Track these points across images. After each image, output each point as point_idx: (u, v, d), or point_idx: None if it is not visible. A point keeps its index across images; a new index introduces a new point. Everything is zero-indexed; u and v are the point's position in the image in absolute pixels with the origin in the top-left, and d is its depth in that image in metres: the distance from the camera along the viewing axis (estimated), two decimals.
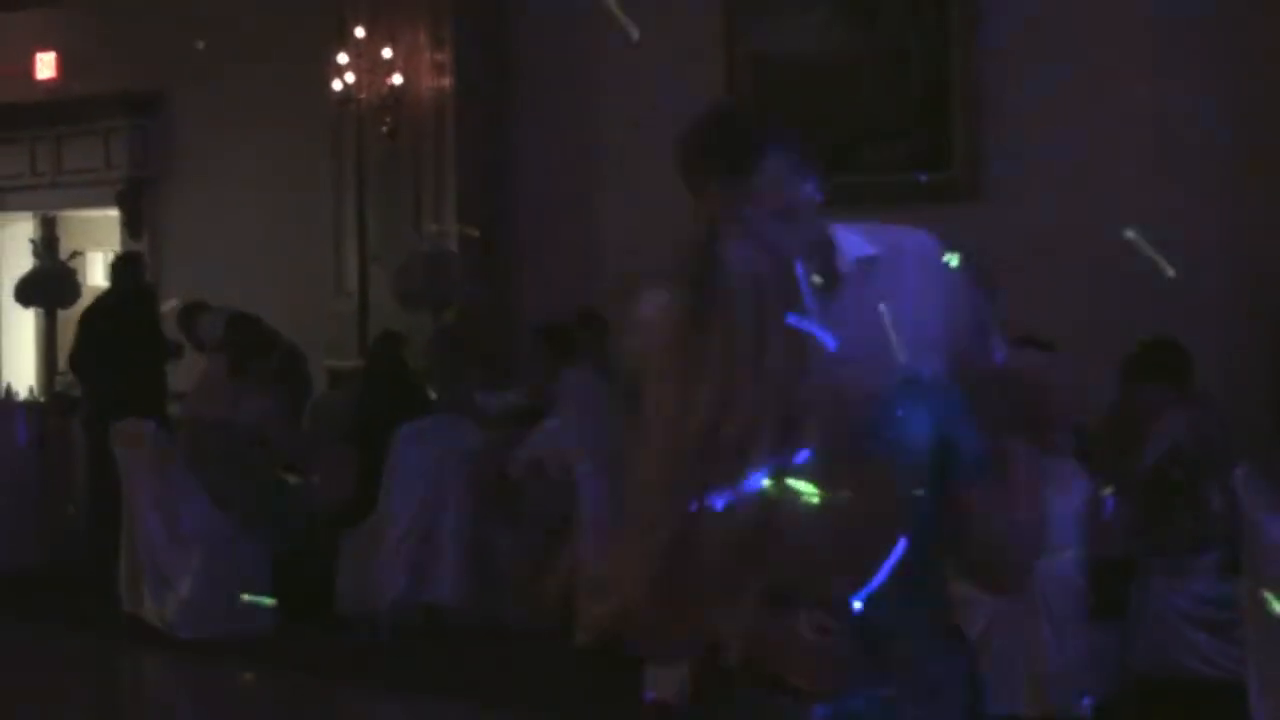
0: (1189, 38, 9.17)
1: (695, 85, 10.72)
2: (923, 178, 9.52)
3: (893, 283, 3.07)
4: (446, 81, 11.49)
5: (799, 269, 2.75)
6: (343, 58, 11.46)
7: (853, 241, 3.10)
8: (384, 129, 11.43)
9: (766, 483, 2.63)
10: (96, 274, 15.31)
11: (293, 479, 9.87)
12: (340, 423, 10.14)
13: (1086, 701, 6.91)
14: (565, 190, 11.37)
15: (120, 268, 11.79)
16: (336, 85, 11.48)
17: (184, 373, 11.23)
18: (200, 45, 11.87)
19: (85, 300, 13.25)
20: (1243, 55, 8.87)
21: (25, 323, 15.32)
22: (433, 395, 9.96)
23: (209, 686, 8.95)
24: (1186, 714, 7.23)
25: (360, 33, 11.45)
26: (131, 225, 13.87)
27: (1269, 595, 6.15)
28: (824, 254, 3.03)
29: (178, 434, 10.02)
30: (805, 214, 2.98)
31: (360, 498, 9.56)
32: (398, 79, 11.36)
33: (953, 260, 3.14)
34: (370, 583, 9.27)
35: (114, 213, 14.25)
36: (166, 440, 9.72)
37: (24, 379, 14.36)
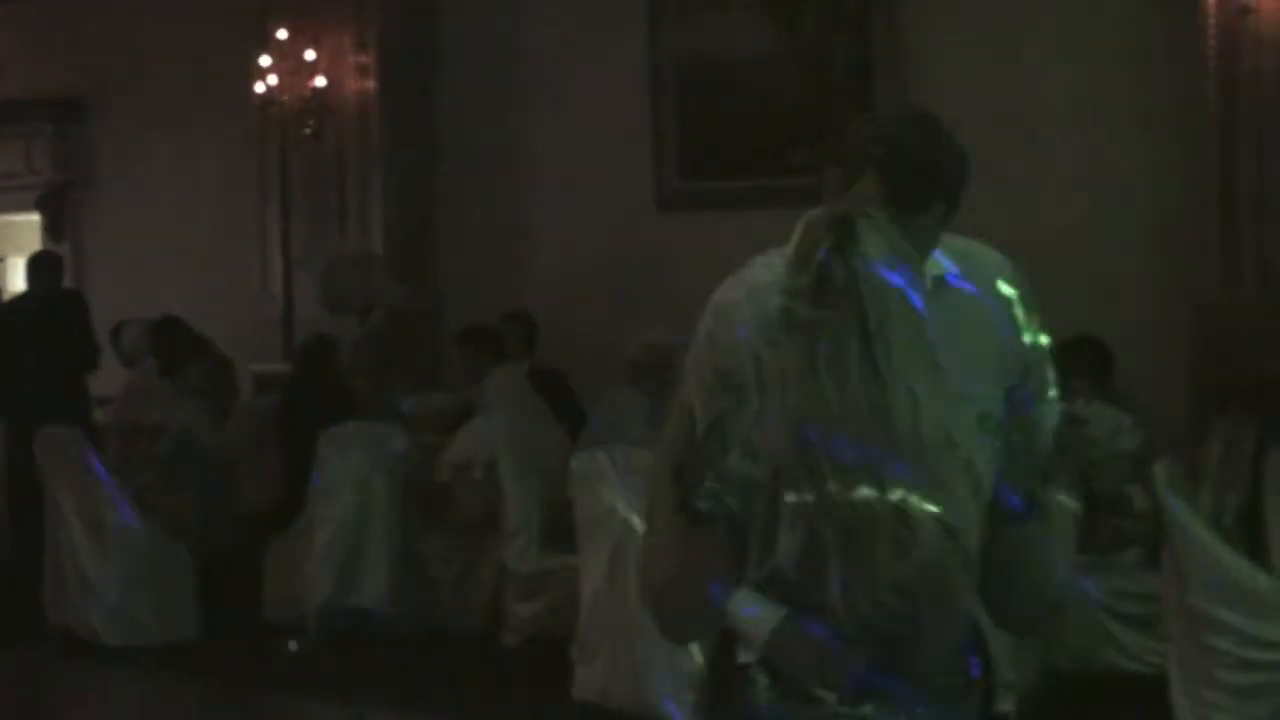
0: (1113, 31, 9.25)
1: (619, 87, 10.76)
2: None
3: (962, 308, 2.96)
4: (370, 84, 11.46)
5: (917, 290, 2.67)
6: (265, 60, 11.41)
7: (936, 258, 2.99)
8: (308, 131, 11.39)
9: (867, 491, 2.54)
10: (18, 279, 15.17)
11: (219, 484, 9.85)
12: (267, 427, 10.12)
13: (1009, 695, 6.97)
14: (491, 192, 11.37)
15: (37, 267, 11.69)
16: (259, 88, 11.43)
17: (105, 378, 11.15)
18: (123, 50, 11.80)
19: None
20: (1169, 48, 8.95)
21: None
22: (359, 399, 9.95)
23: (136, 694, 8.90)
24: (1109, 707, 7.30)
25: (283, 35, 11.39)
26: (53, 230, 13.75)
27: None
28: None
29: (104, 439, 9.97)
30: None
31: (287, 502, 9.54)
32: (321, 81, 11.31)
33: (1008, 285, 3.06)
34: (298, 587, 9.24)
35: (35, 217, 14.14)
36: (91, 446, 9.66)
37: None
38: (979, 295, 3.00)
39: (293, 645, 9.00)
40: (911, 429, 2.55)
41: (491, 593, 8.88)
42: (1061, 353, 8.34)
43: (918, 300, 2.63)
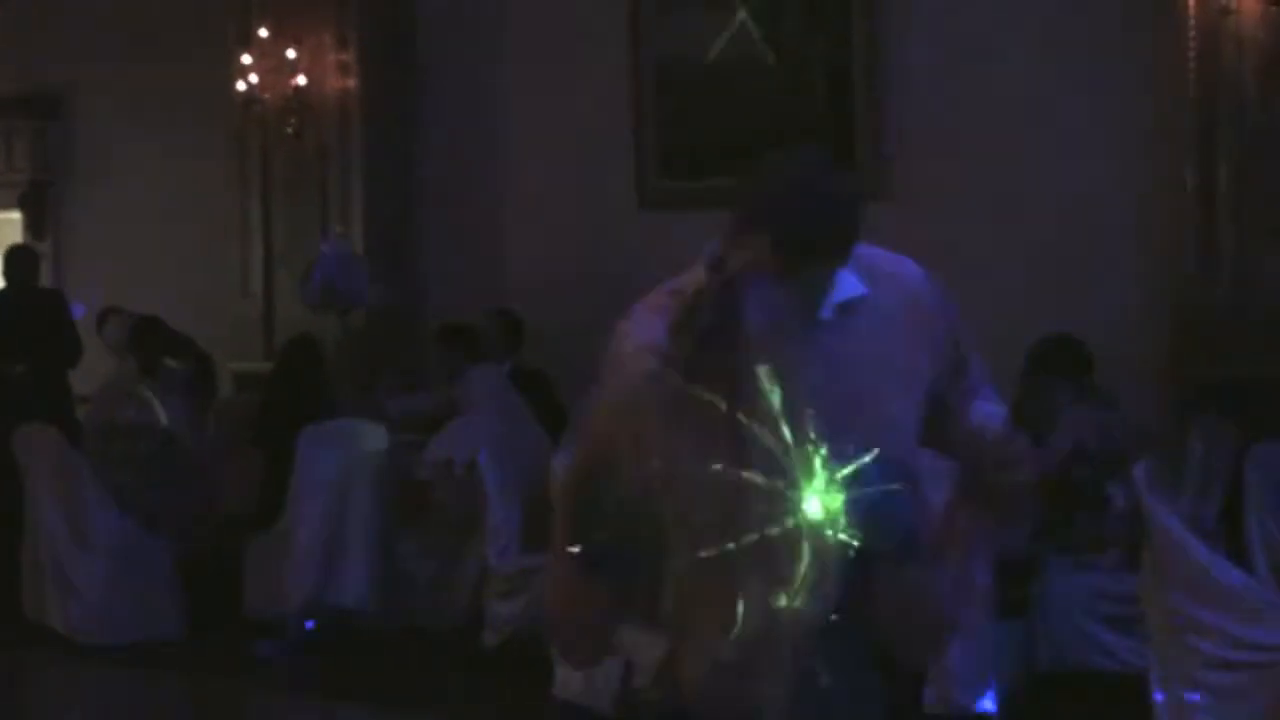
0: (1091, 36, 9.26)
1: (599, 88, 10.75)
2: None
3: (880, 327, 3.03)
4: (351, 83, 11.43)
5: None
6: (246, 59, 11.39)
7: (844, 280, 3.03)
8: (289, 130, 11.36)
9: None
10: None
11: (199, 483, 9.84)
12: (247, 426, 10.11)
13: (990, 696, 6.98)
14: (472, 191, 11.36)
15: (11, 263, 11.66)
16: (240, 86, 11.41)
17: (87, 376, 11.13)
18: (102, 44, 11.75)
19: None
20: (1150, 47, 8.96)
21: None
22: (340, 398, 9.94)
23: (115, 693, 8.88)
24: (1090, 707, 7.32)
25: (264, 33, 11.38)
26: (34, 227, 13.70)
27: None
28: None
29: (84, 437, 9.94)
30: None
31: (268, 502, 9.53)
32: (302, 80, 11.30)
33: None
34: (278, 587, 9.23)
35: (16, 215, 14.09)
36: (71, 444, 9.64)
37: None
38: (892, 308, 3.07)
39: (265, 650, 8.99)
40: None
41: (472, 592, 8.87)
42: (1041, 352, 8.41)
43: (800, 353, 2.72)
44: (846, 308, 3.01)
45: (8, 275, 11.60)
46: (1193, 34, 8.51)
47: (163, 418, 9.72)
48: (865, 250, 3.09)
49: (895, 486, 2.67)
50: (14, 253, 11.82)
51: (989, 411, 3.19)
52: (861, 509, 2.61)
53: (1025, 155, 9.38)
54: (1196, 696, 6.33)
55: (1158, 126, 8.91)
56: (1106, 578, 7.45)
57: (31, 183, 13.83)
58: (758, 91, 10.20)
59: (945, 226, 9.14)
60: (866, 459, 2.64)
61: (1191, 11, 8.49)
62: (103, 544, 9.38)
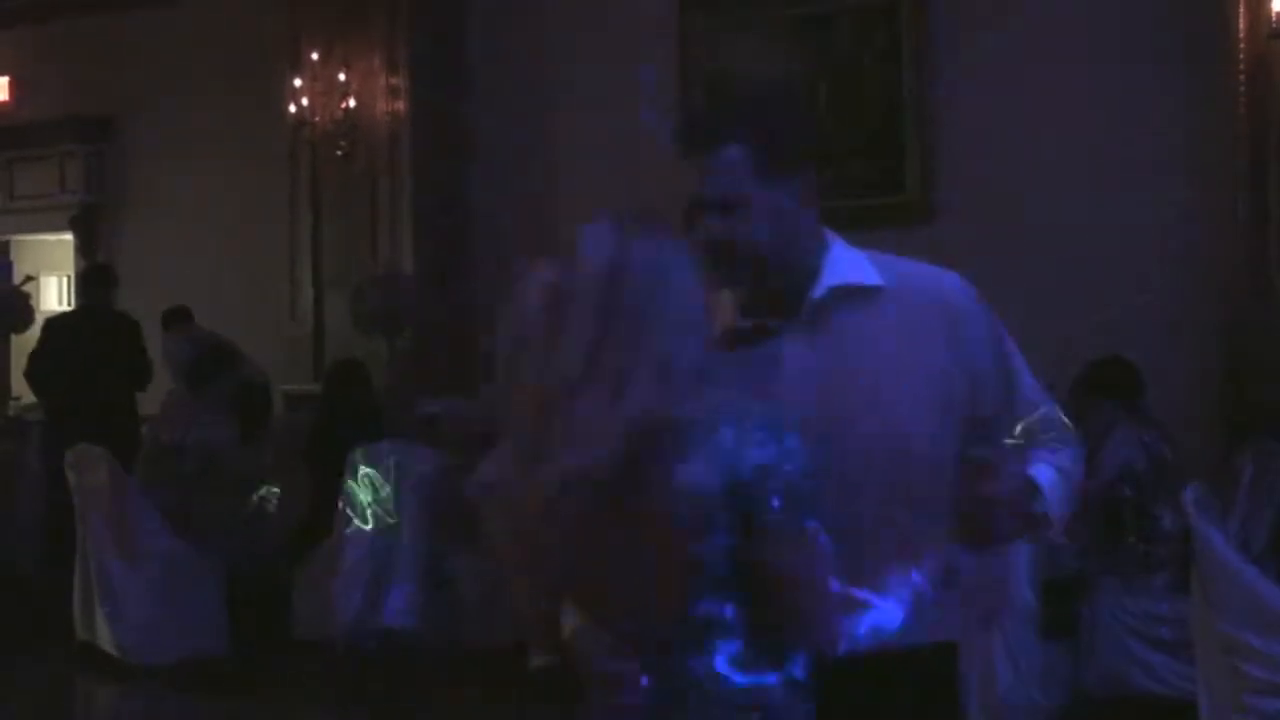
0: (1141, 55, 9.24)
1: (650, 106, 10.77)
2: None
3: (879, 320, 3.04)
4: (401, 105, 11.49)
5: (677, 270, 2.77)
6: (297, 82, 11.47)
7: (852, 267, 3.08)
8: (339, 153, 11.43)
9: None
10: (50, 299, 15.25)
11: (249, 502, 9.87)
12: (298, 446, 10.14)
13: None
14: (522, 212, 11.38)
15: (87, 282, 11.75)
16: (291, 109, 11.48)
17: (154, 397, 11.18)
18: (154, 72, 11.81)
19: (39, 326, 13.23)
20: (1198, 71, 8.94)
21: None
22: (389, 419, 9.97)
23: (163, 712, 8.91)
24: None
25: (315, 57, 11.45)
26: (86, 250, 13.80)
27: None
28: (768, 267, 3.04)
29: (137, 456, 9.98)
30: (749, 214, 3.00)
31: (317, 521, 9.56)
32: (352, 103, 11.36)
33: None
34: (327, 606, 9.25)
35: (68, 237, 14.20)
36: (121, 464, 9.68)
37: None
38: (913, 306, 3.08)
39: None
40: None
41: (521, 614, 8.86)
42: (1093, 373, 8.36)
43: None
44: (847, 293, 3.04)
45: (86, 293, 11.70)
46: (1243, 60, 8.49)
47: (204, 437, 9.74)
48: (902, 260, 3.14)
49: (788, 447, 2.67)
50: (89, 272, 11.92)
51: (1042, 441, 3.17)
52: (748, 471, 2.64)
53: (1076, 179, 9.36)
54: None
55: (1208, 151, 8.88)
56: (1156, 600, 7.42)
57: (83, 205, 13.93)
58: (806, 112, 10.20)
59: (992, 248, 9.12)
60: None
61: (1242, 37, 8.47)
62: (151, 563, 9.40)
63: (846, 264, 3.08)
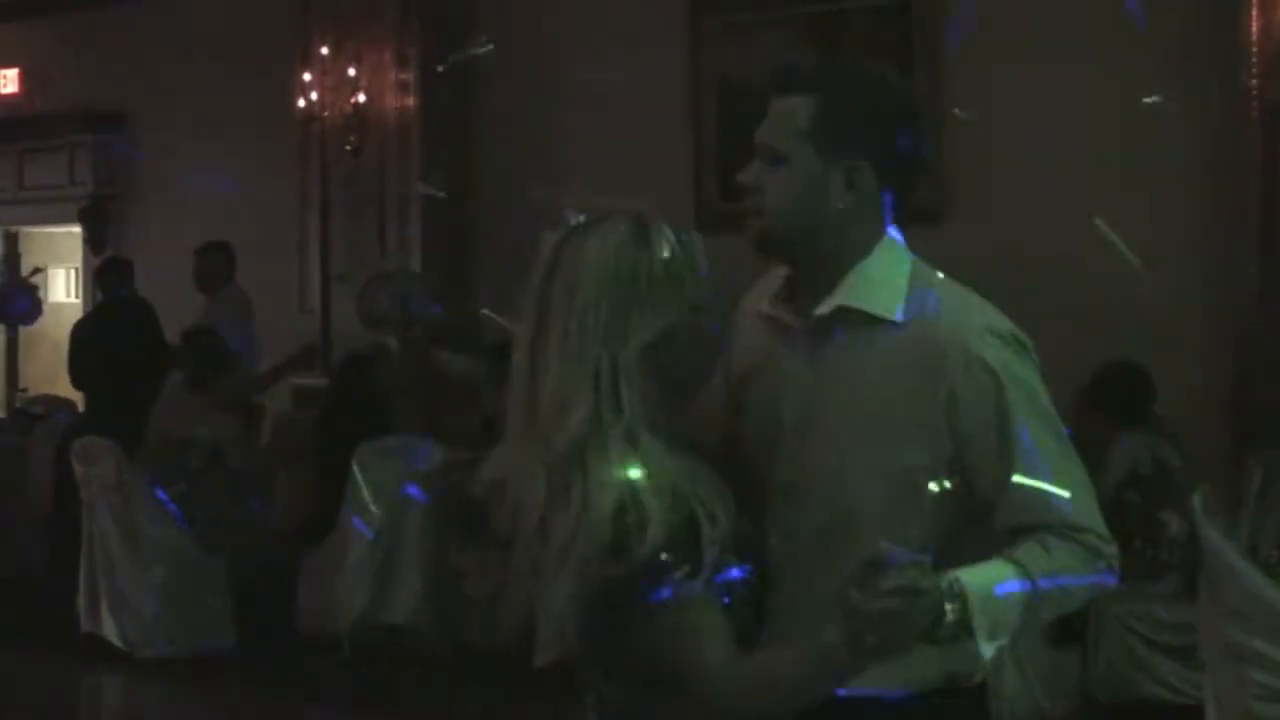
0: (1153, 58, 9.21)
1: (660, 108, 10.76)
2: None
3: (873, 354, 2.88)
4: (411, 101, 11.48)
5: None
6: (307, 76, 11.46)
7: (872, 289, 2.90)
8: (348, 148, 11.42)
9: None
10: (58, 290, 15.25)
11: (252, 497, 9.87)
12: (304, 441, 10.13)
13: None
14: (530, 210, 11.35)
15: (103, 275, 11.75)
16: (300, 103, 11.47)
17: None
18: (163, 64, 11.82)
19: (47, 318, 13.23)
20: (1210, 75, 8.92)
21: None
22: (394, 415, 9.96)
23: (169, 707, 8.91)
24: None
25: (324, 51, 11.44)
26: (94, 242, 13.79)
27: None
28: (773, 236, 3.02)
29: (140, 450, 9.98)
30: (782, 172, 2.96)
31: (322, 517, 9.55)
32: (362, 98, 11.36)
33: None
34: (331, 602, 9.25)
35: (76, 229, 14.20)
36: (127, 457, 9.67)
37: None
38: (915, 350, 2.87)
39: None
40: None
41: (524, 612, 8.84)
42: (1104, 378, 8.35)
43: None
44: (852, 316, 2.91)
45: (103, 288, 11.69)
46: (1255, 63, 8.47)
47: (206, 433, 9.73)
48: (954, 291, 2.96)
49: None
50: (106, 266, 11.91)
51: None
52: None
53: (1086, 176, 9.34)
54: None
55: (1220, 157, 8.85)
56: (1163, 607, 7.40)
57: (92, 197, 13.93)
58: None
59: (1006, 248, 9.11)
60: None
61: (1254, 40, 8.44)
62: (157, 557, 9.40)
63: (871, 283, 2.89)
